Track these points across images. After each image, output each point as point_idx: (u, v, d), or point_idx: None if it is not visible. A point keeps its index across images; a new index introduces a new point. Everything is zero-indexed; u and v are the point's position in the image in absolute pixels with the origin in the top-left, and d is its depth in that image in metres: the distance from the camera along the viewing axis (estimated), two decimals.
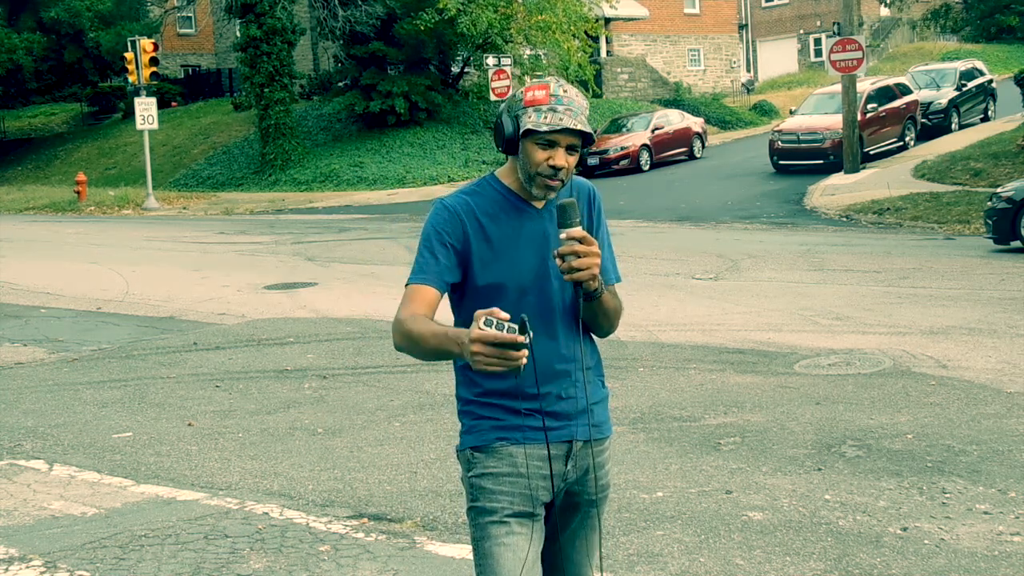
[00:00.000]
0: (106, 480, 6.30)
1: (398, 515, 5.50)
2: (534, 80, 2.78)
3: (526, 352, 2.41)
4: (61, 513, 5.74)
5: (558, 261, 2.61)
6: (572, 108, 2.69)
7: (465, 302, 2.80)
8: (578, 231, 2.59)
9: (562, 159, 2.69)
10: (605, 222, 2.93)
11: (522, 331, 2.40)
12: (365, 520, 5.45)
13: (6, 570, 4.95)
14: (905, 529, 5.04)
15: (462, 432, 2.88)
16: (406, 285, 2.77)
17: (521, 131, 2.69)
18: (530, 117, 2.68)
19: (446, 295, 2.80)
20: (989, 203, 14.49)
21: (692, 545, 4.94)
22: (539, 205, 2.80)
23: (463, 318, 2.81)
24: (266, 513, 5.61)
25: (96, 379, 8.99)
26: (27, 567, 4.99)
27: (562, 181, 2.73)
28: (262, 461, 6.55)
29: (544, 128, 2.65)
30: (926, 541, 4.89)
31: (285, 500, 5.81)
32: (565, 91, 2.70)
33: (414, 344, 2.66)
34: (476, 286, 2.76)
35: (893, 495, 5.49)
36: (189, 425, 7.44)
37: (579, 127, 2.67)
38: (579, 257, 2.58)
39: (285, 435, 7.10)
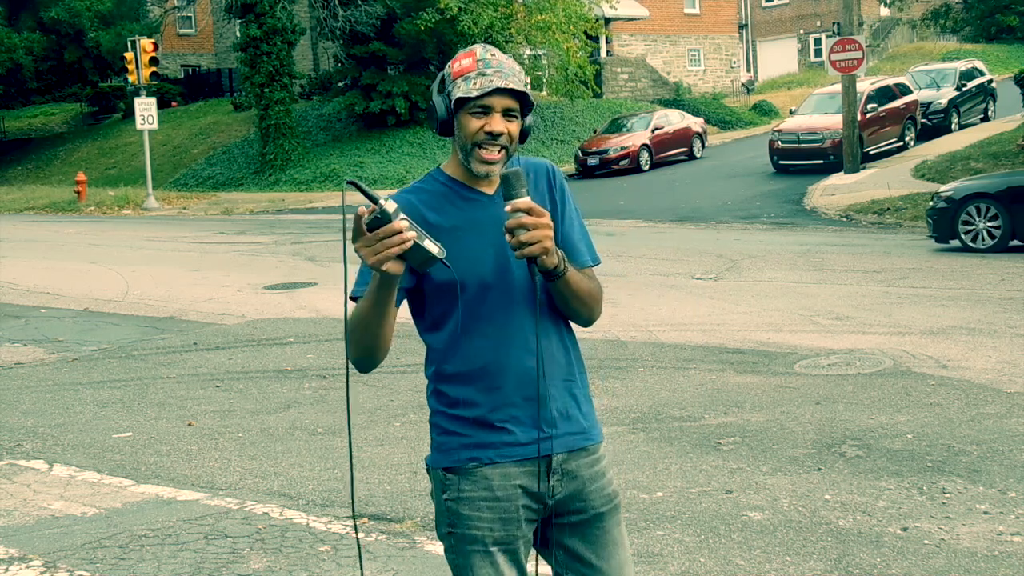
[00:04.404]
0: (106, 480, 6.29)
1: (398, 515, 5.50)
2: (460, 51, 2.61)
3: (403, 226, 2.27)
4: (61, 513, 5.74)
5: (507, 237, 2.38)
6: (502, 71, 2.49)
7: (428, 306, 2.62)
8: (523, 202, 2.36)
9: (500, 124, 2.49)
10: (572, 201, 2.69)
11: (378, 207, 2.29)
12: (365, 520, 5.45)
13: (6, 570, 4.95)
14: (905, 529, 5.04)
15: (432, 447, 2.68)
16: (352, 298, 2.54)
17: (453, 102, 2.51)
18: (460, 87, 2.50)
19: (406, 304, 2.62)
20: (931, 202, 14.76)
21: (692, 545, 4.94)
22: (489, 191, 2.58)
23: (427, 324, 2.64)
24: (266, 513, 5.61)
25: (96, 379, 8.99)
26: (27, 567, 4.99)
27: (504, 149, 2.52)
28: (262, 461, 6.55)
29: (475, 93, 2.46)
30: (926, 541, 4.89)
31: (285, 500, 5.81)
32: (493, 55, 2.53)
33: (356, 327, 2.48)
34: (433, 286, 2.56)
35: (893, 495, 5.48)
36: (189, 425, 7.44)
37: (511, 86, 2.47)
38: (528, 230, 2.36)
39: (285, 435, 7.10)
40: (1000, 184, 14.38)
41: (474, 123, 2.50)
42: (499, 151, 2.52)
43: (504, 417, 2.57)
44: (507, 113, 2.51)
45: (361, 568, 2.99)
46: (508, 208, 2.39)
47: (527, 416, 2.57)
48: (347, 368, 2.57)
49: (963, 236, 14.10)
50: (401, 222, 2.28)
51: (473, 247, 2.54)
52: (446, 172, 2.63)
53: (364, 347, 2.53)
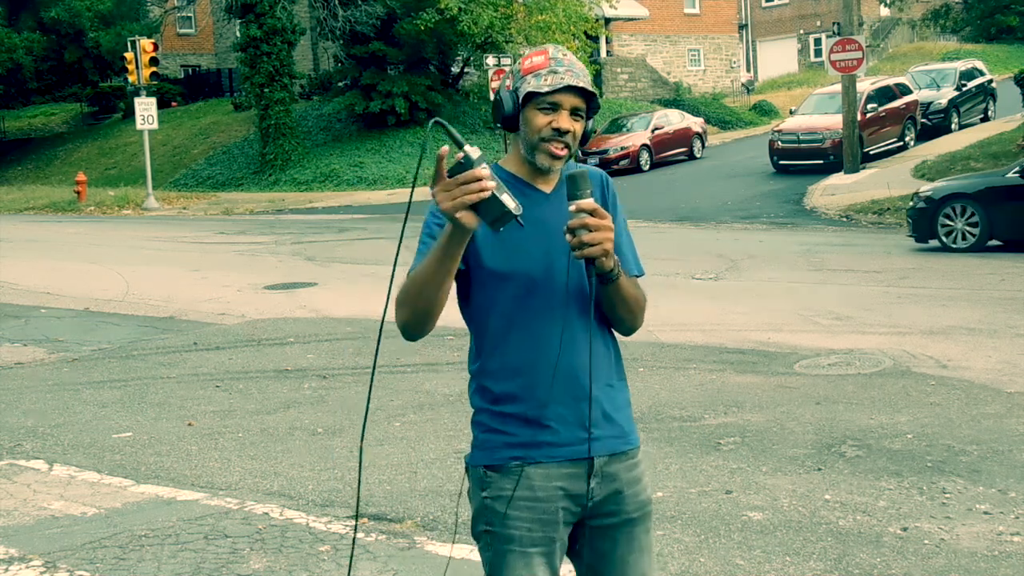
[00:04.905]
0: (106, 480, 6.29)
1: (398, 515, 5.50)
2: (531, 49, 2.68)
3: (485, 174, 2.23)
4: (61, 513, 5.74)
5: (568, 236, 2.40)
6: (573, 69, 2.53)
7: (473, 295, 2.62)
8: (588, 202, 2.39)
9: (567, 122, 2.53)
10: (622, 211, 2.71)
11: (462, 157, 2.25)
12: (365, 520, 5.45)
13: (6, 570, 4.95)
14: (905, 529, 5.04)
15: (473, 445, 2.67)
16: (408, 273, 2.55)
17: (521, 97, 2.54)
18: (529, 83, 2.53)
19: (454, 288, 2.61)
20: (910, 203, 15.07)
21: (692, 545, 4.94)
22: (547, 189, 2.61)
23: (473, 312, 2.64)
24: (266, 513, 5.61)
25: (96, 379, 8.99)
26: (27, 567, 4.98)
27: (568, 147, 2.55)
28: (262, 461, 6.55)
29: (545, 89, 2.51)
30: (926, 541, 4.89)
31: (285, 500, 5.81)
32: (564, 54, 2.57)
33: (414, 285, 2.45)
34: (481, 276, 2.57)
35: (893, 495, 5.48)
36: (189, 425, 7.44)
37: (582, 84, 2.52)
38: (590, 231, 2.38)
39: (285, 435, 7.10)
40: (978, 184, 14.65)
41: (542, 119, 2.53)
42: (563, 148, 2.54)
43: (549, 416, 2.56)
44: (574, 112, 2.55)
45: (351, 566, 2.98)
46: (572, 208, 2.40)
47: (572, 416, 2.57)
48: (378, 341, 2.56)
49: (942, 236, 14.34)
50: (483, 170, 2.25)
51: (526, 242, 2.55)
52: (505, 168, 2.66)
53: (420, 308, 2.48)
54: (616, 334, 2.72)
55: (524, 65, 2.57)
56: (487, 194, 2.26)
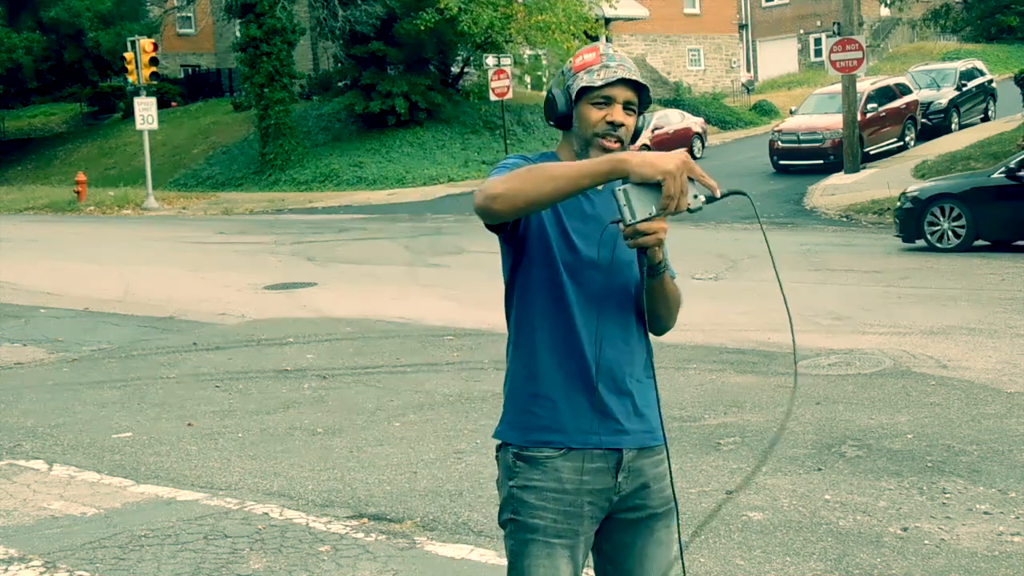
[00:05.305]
0: (106, 480, 6.29)
1: (398, 515, 5.49)
2: (581, 47, 2.68)
3: (662, 226, 2.39)
4: (61, 513, 5.74)
5: (620, 226, 2.41)
6: (625, 64, 2.59)
7: (522, 273, 2.62)
8: None
9: (620, 115, 2.57)
10: None
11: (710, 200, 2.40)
12: (365, 520, 5.45)
13: (6, 570, 4.95)
14: (905, 529, 5.04)
15: (504, 420, 2.68)
16: (492, 173, 2.52)
17: (575, 93, 2.58)
18: (582, 79, 2.58)
19: (501, 268, 2.61)
20: (898, 203, 15.18)
21: (692, 545, 4.94)
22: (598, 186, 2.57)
23: (518, 289, 2.63)
24: (266, 513, 5.60)
25: (96, 379, 8.99)
26: (27, 567, 4.98)
27: (620, 141, 2.58)
28: (262, 461, 6.55)
29: (599, 82, 2.55)
30: (926, 541, 4.89)
31: (285, 500, 5.81)
32: (615, 51, 2.63)
33: (542, 175, 2.35)
34: (532, 260, 2.59)
35: (893, 495, 5.48)
36: (189, 425, 7.43)
37: (634, 77, 2.58)
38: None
39: (285, 435, 7.10)
40: (964, 185, 14.78)
41: (596, 113, 2.58)
42: (615, 143, 2.58)
43: (583, 404, 2.59)
44: (627, 106, 2.60)
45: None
46: None
47: (607, 407, 2.60)
48: (794, 364, 2.64)
49: (928, 236, 14.45)
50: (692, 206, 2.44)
51: (577, 233, 2.59)
52: (560, 158, 2.67)
53: (525, 193, 2.37)
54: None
55: (576, 63, 2.63)
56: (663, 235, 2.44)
